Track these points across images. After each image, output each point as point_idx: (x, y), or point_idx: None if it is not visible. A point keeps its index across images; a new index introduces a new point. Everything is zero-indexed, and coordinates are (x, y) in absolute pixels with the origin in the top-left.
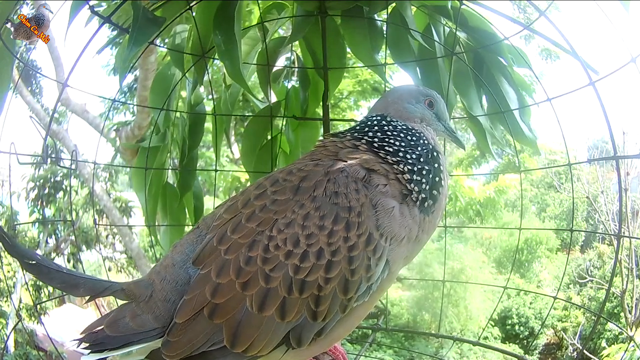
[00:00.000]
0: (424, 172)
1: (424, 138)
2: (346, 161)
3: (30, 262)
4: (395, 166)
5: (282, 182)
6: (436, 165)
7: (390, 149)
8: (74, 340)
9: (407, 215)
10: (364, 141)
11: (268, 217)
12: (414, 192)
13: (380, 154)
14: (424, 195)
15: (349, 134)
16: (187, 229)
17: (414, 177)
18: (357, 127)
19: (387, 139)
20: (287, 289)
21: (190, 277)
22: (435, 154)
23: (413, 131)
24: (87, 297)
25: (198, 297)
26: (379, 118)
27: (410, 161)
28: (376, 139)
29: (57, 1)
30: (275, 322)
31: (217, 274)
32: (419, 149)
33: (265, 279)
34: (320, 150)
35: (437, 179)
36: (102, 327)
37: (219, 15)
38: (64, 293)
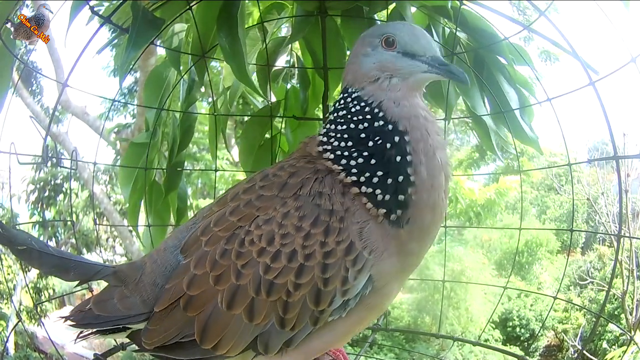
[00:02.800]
0: (376, 180)
1: (379, 117)
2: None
3: (20, 247)
4: (340, 176)
5: (272, 178)
6: (399, 158)
7: (332, 155)
8: (61, 317)
9: (382, 230)
10: (317, 140)
11: (250, 212)
12: (371, 209)
13: (328, 163)
14: (383, 210)
15: (322, 133)
16: (170, 229)
17: (362, 189)
18: (328, 119)
19: (332, 139)
20: (255, 288)
21: (179, 262)
22: (396, 139)
23: (366, 110)
24: (84, 292)
25: (176, 287)
26: (340, 97)
27: (355, 169)
28: (325, 138)
29: (57, 1)
30: (243, 322)
31: (195, 265)
32: (370, 143)
33: (236, 274)
34: (308, 149)
35: (400, 178)
36: (90, 306)
37: (222, 16)
38: (64, 294)
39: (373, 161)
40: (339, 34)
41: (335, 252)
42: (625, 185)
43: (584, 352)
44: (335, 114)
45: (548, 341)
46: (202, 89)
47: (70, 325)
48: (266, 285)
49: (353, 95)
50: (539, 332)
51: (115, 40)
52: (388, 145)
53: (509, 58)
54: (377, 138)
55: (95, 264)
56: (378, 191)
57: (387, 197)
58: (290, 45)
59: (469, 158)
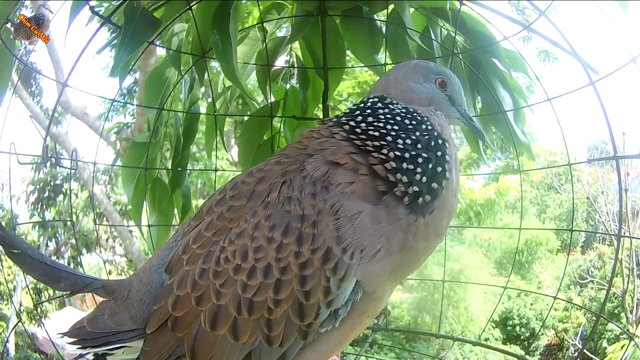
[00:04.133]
0: (420, 160)
1: (428, 123)
2: (311, 155)
3: (14, 251)
4: (375, 154)
5: (240, 186)
6: (439, 153)
7: (376, 133)
8: (59, 333)
9: (384, 220)
10: (346, 127)
11: (223, 225)
12: (399, 184)
13: (356, 142)
14: (416, 188)
15: (334, 119)
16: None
17: (403, 165)
18: (348, 111)
19: (375, 123)
20: (236, 308)
21: (164, 281)
22: (440, 141)
23: (414, 114)
24: (82, 294)
25: (163, 308)
26: (375, 100)
27: (400, 145)
28: (363, 124)
29: (57, 1)
30: (230, 342)
31: (177, 286)
32: (417, 133)
33: (216, 294)
34: (293, 144)
35: (439, 169)
36: (84, 323)
37: (217, 15)
38: (65, 294)
39: (419, 145)
40: (339, 34)
41: (312, 261)
42: (625, 184)
43: (585, 351)
44: (372, 110)
45: (548, 340)
46: (202, 89)
47: (69, 343)
48: (246, 304)
49: (398, 106)
50: (539, 331)
51: (115, 41)
52: (433, 142)
53: (506, 62)
54: (424, 133)
55: (86, 277)
56: (419, 169)
57: (424, 179)
58: (290, 45)
59: (469, 158)
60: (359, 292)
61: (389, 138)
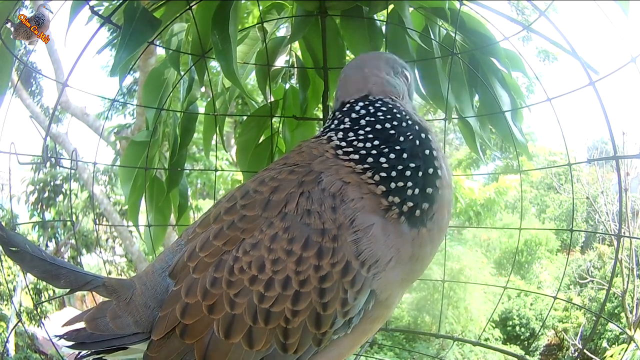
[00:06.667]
0: (408, 173)
1: (407, 117)
2: (322, 171)
3: (13, 249)
4: (363, 176)
5: (253, 194)
6: (427, 152)
7: (357, 156)
8: (56, 336)
9: (392, 233)
10: (332, 144)
11: (235, 235)
12: (394, 206)
13: (345, 163)
14: (411, 203)
15: (325, 134)
16: (170, 228)
17: (391, 184)
18: (336, 122)
19: (355, 141)
20: (252, 317)
21: (168, 285)
22: (423, 135)
23: (393, 111)
24: (83, 293)
25: (170, 315)
26: (360, 104)
27: (384, 165)
28: (344, 143)
29: (57, 1)
30: (244, 349)
31: (186, 293)
32: (402, 138)
33: (230, 304)
34: (298, 154)
35: (430, 170)
36: (84, 325)
37: (217, 15)
38: (65, 293)
39: (405, 155)
40: (339, 34)
41: (332, 274)
42: (625, 184)
43: (585, 351)
44: (354, 121)
45: (548, 340)
46: (202, 89)
47: (67, 346)
48: (263, 314)
49: (379, 103)
50: (539, 331)
51: (115, 41)
52: (418, 142)
53: (505, 62)
54: (409, 134)
55: (87, 274)
56: (410, 184)
57: (417, 190)
58: (289, 45)
59: (469, 158)
60: (372, 300)
61: (370, 159)
